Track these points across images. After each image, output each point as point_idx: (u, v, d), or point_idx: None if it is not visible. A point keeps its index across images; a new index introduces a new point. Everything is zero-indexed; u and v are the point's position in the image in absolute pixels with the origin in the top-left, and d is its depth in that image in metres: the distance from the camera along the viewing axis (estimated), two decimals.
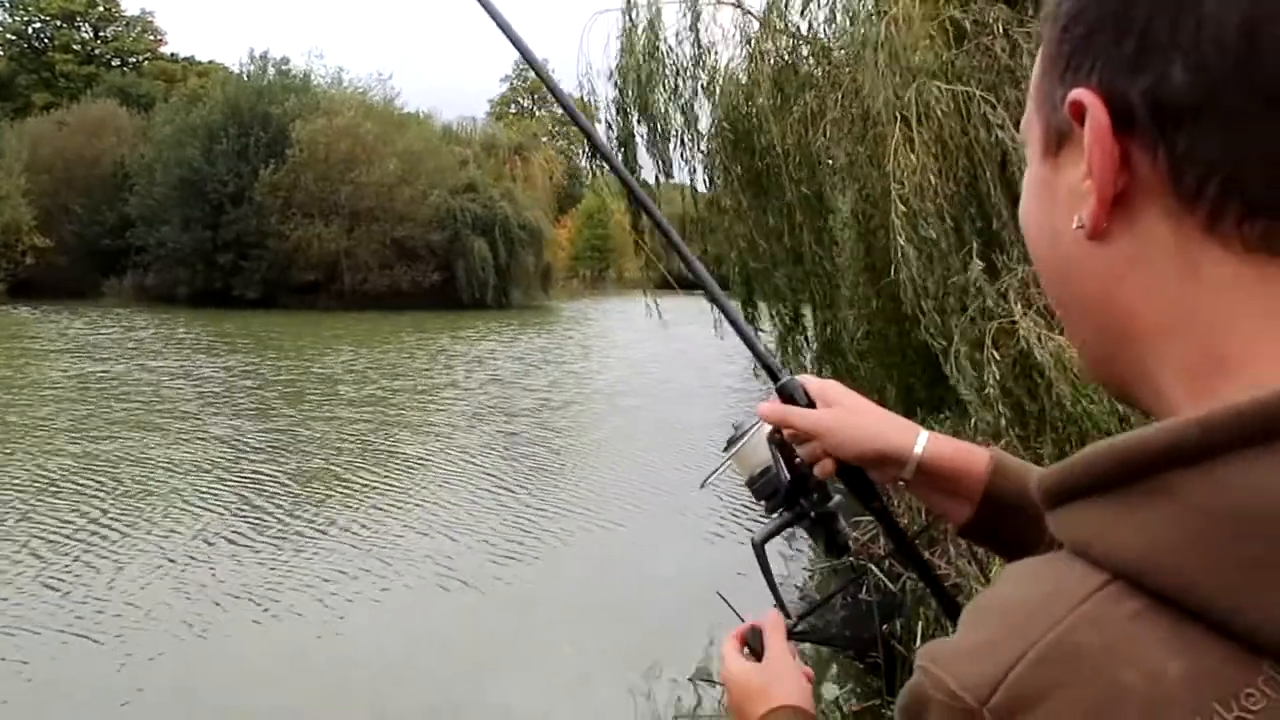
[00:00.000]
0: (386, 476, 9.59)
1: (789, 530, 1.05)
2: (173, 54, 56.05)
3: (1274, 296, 0.43)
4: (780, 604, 1.06)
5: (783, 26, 7.74)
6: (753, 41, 7.77)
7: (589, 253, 55.67)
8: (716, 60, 7.97)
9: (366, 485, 9.21)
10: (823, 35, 7.66)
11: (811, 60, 7.68)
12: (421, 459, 10.46)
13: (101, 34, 54.02)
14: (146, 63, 54.05)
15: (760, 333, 9.01)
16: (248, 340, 22.83)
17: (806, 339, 8.21)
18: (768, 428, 1.01)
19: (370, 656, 5.49)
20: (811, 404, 0.99)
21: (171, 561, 6.80)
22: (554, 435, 12.19)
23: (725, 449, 1.06)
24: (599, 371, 18.50)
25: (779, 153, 7.04)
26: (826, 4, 7.60)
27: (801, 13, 7.73)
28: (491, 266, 36.23)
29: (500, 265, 36.62)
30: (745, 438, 1.04)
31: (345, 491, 8.96)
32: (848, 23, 6.97)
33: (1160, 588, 0.39)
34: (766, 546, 1.07)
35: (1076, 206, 0.48)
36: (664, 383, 16.09)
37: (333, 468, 9.88)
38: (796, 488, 1.01)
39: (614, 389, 15.92)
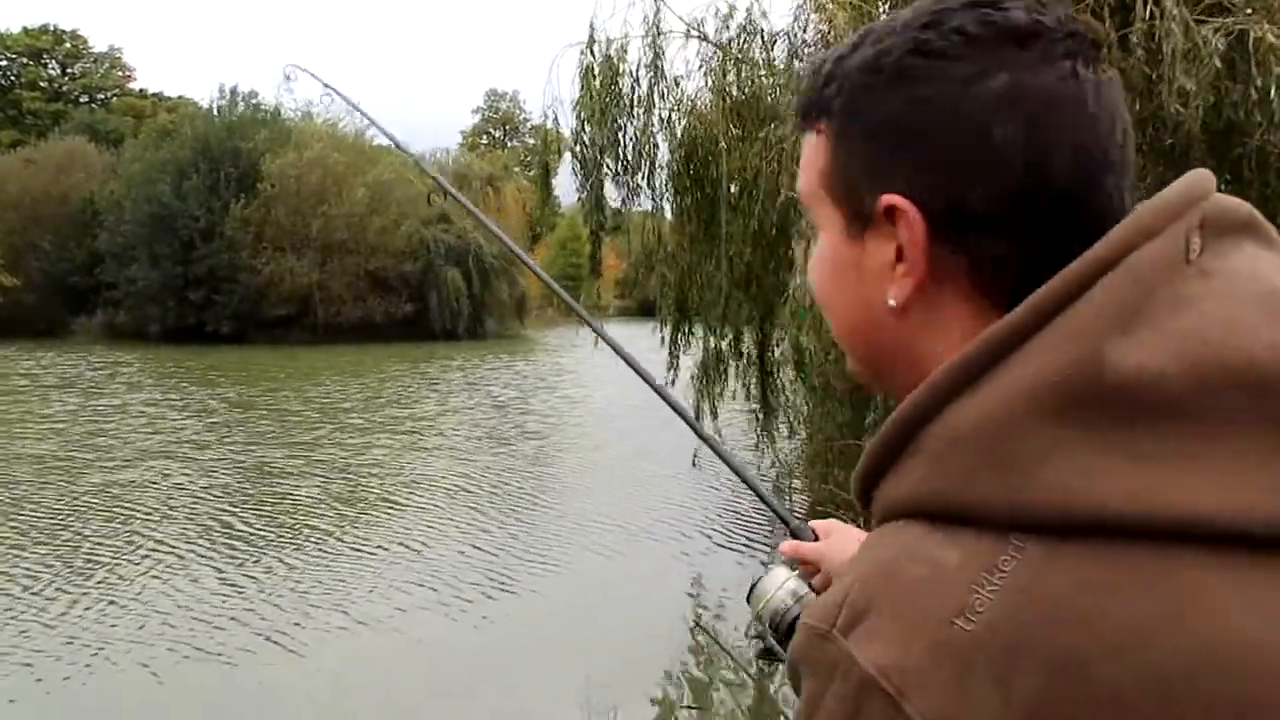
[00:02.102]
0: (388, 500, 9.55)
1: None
2: (141, 90, 55.92)
3: None
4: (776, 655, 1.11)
5: (745, 58, 7.87)
6: (714, 74, 7.90)
7: (563, 281, 55.58)
8: (681, 92, 8.10)
9: (358, 515, 9.16)
10: (783, 67, 7.80)
11: (775, 92, 7.80)
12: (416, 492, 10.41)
13: (69, 70, 53.87)
14: (115, 99, 53.86)
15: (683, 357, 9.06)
16: (232, 375, 22.66)
17: (746, 358, 8.36)
18: (777, 571, 1.11)
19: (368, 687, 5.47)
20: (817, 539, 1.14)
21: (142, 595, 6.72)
22: (536, 465, 12.16)
23: (747, 600, 1.14)
24: (583, 399, 18.49)
25: (738, 182, 7.14)
26: (788, 39, 7.76)
27: (747, 43, 7.87)
28: (465, 297, 36.24)
29: (474, 295, 36.63)
30: (759, 584, 1.12)
31: (329, 524, 8.89)
32: (804, 52, 7.11)
33: (929, 510, 0.54)
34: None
35: (885, 284, 0.62)
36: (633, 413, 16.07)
37: (316, 500, 9.80)
38: None
39: (597, 415, 15.92)
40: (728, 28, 7.93)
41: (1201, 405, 0.50)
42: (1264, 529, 0.48)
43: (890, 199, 0.59)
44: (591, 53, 7.85)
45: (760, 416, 9.27)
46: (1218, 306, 0.52)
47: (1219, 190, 0.57)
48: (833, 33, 6.43)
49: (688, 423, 1.32)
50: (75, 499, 9.76)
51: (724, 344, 8.68)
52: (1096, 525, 0.49)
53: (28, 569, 7.40)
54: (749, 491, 1.20)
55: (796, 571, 1.11)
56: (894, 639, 0.51)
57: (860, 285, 0.64)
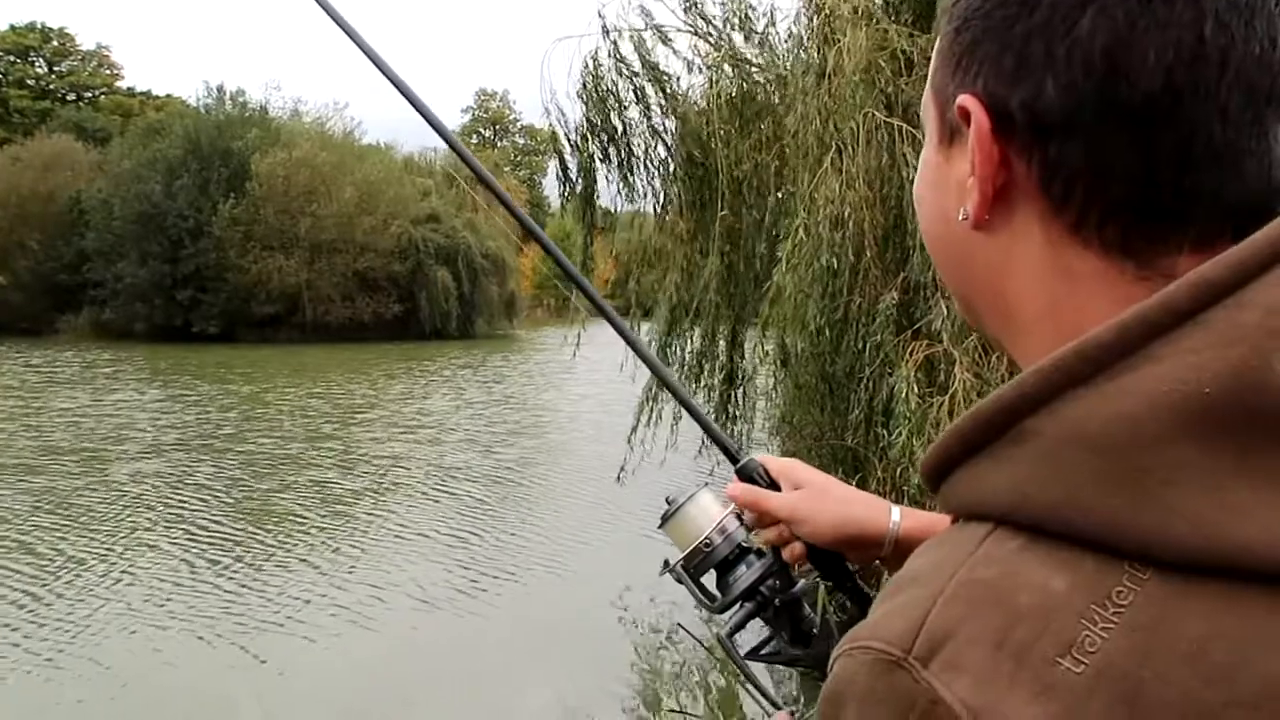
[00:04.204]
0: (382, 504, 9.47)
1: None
2: (129, 88, 55.64)
3: (1122, 290, 0.49)
4: (764, 694, 1.01)
5: (739, 55, 7.80)
6: (709, 70, 7.83)
7: (553, 281, 55.61)
8: (675, 87, 8.03)
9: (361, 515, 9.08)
10: (778, 64, 7.74)
11: (768, 88, 7.74)
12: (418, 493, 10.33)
13: (56, 69, 53.55)
14: (103, 97, 53.59)
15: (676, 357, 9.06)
16: (225, 372, 22.55)
17: (741, 357, 8.29)
18: (705, 498, 0.97)
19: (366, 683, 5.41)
20: (773, 484, 0.96)
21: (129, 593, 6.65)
22: (520, 465, 12.08)
23: (660, 525, 0.98)
24: (575, 399, 18.41)
25: (734, 177, 7.07)
26: (784, 34, 7.70)
27: (746, 39, 7.81)
28: (455, 296, 36.12)
29: (463, 295, 36.52)
30: (679, 509, 0.97)
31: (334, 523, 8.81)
32: (800, 52, 7.05)
33: (1034, 521, 0.45)
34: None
35: (962, 198, 0.54)
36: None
37: (313, 501, 9.71)
38: (762, 576, 0.94)
39: (586, 412, 15.86)
40: (727, 25, 7.86)
41: None
42: None
43: (963, 99, 0.52)
44: (595, 56, 7.78)
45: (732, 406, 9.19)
46: None
47: None
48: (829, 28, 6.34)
49: (649, 364, 1.19)
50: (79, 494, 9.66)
51: (717, 342, 8.57)
52: (1231, 567, 0.42)
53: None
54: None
55: (732, 508, 0.95)
56: (989, 675, 0.42)
57: (944, 197, 0.57)
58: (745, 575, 0.93)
